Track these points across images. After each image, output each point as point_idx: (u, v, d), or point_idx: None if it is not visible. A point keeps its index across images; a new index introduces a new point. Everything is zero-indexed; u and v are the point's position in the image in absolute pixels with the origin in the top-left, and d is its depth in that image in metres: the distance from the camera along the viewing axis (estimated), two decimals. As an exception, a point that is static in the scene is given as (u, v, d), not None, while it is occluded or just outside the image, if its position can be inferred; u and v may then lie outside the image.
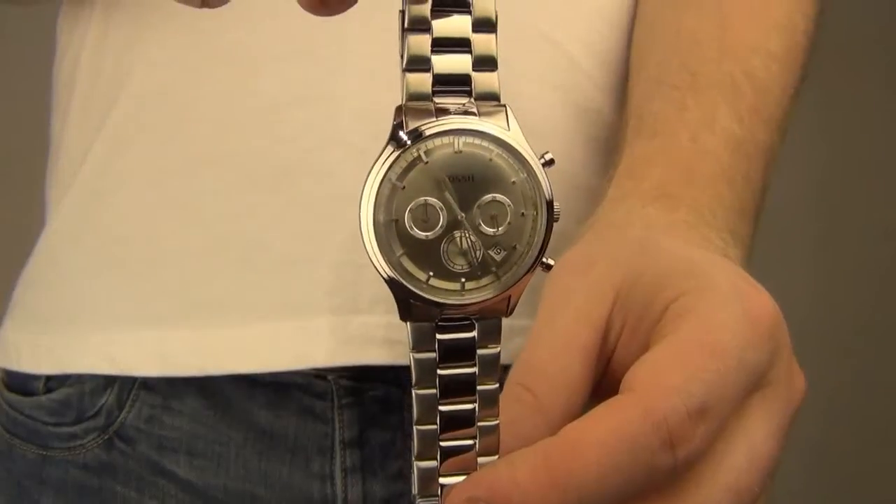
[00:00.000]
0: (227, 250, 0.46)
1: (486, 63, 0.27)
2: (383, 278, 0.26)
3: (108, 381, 0.48)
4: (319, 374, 0.46)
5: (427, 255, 0.26)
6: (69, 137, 0.52)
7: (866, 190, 1.52)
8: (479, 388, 0.28)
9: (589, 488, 0.27)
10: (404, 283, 0.26)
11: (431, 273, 0.26)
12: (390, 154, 0.26)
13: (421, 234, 0.26)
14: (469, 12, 0.27)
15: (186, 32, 0.47)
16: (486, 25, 0.27)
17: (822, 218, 1.53)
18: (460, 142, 0.26)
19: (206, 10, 0.28)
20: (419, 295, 0.26)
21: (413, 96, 0.26)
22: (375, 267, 0.26)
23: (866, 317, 1.52)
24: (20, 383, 0.50)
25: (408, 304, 0.26)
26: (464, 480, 0.27)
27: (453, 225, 0.26)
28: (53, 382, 0.49)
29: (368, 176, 0.26)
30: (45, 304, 0.51)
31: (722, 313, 0.30)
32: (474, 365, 0.28)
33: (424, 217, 0.26)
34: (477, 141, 0.26)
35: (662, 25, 0.48)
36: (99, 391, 0.48)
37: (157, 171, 0.48)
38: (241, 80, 0.47)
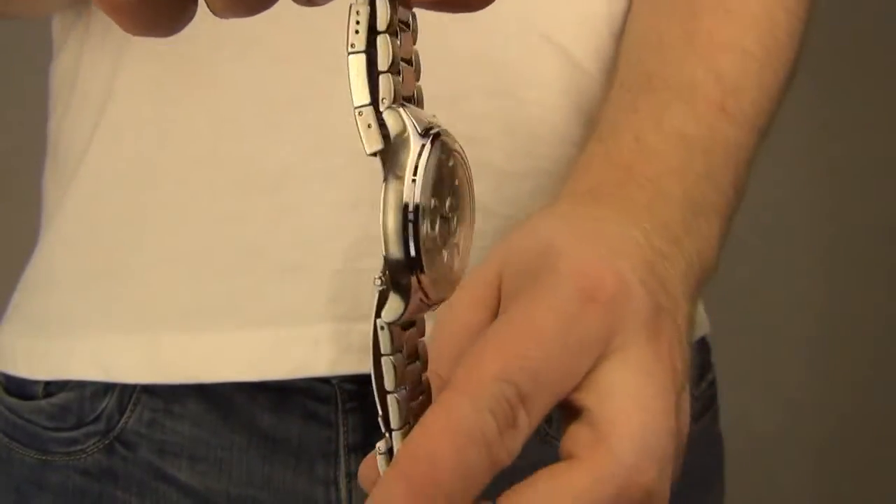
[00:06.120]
0: (221, 254, 0.46)
1: (419, 74, 0.28)
2: (407, 256, 0.25)
3: (109, 385, 0.47)
4: (323, 377, 0.46)
5: (431, 253, 0.26)
6: (66, 138, 0.51)
7: (877, 188, 1.52)
8: (423, 378, 0.29)
9: (455, 495, 0.27)
10: (423, 279, 0.26)
11: (434, 274, 0.26)
12: (417, 154, 0.26)
13: (430, 233, 0.26)
14: (409, 25, 0.27)
15: (186, 32, 0.47)
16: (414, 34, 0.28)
17: (831, 217, 1.52)
18: (445, 147, 0.27)
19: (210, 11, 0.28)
20: (426, 289, 0.26)
21: (397, 96, 0.26)
22: (403, 260, 0.25)
23: (877, 315, 1.52)
24: (19, 387, 0.50)
25: (407, 296, 0.26)
26: None
27: (442, 226, 0.27)
28: (53, 387, 0.48)
29: (393, 174, 0.25)
30: (41, 308, 0.50)
31: (549, 297, 0.31)
32: (418, 358, 0.29)
33: (432, 217, 0.26)
34: (449, 145, 0.27)
35: (637, 27, 0.48)
36: (99, 395, 0.47)
37: (150, 172, 0.47)
38: (239, 79, 0.46)
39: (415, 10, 0.27)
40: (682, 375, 0.33)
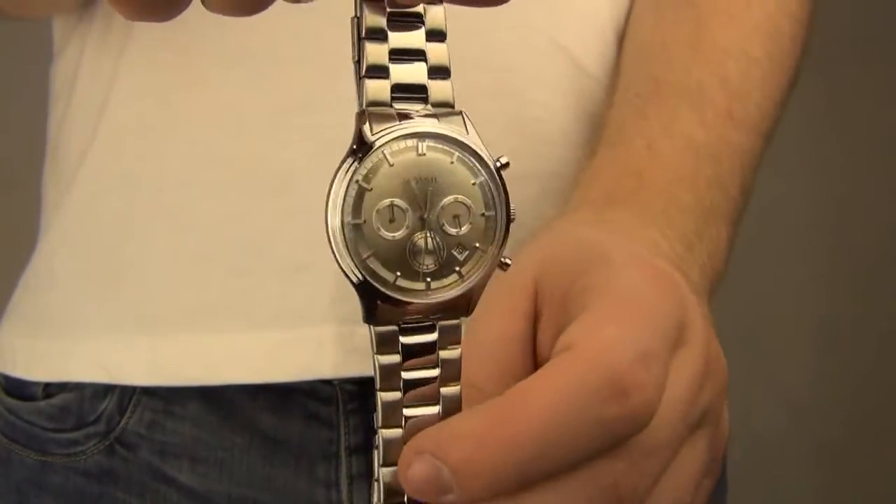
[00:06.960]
0: (224, 255, 0.45)
1: (439, 72, 0.28)
2: (352, 281, 0.27)
3: (109, 386, 0.47)
4: (324, 379, 0.46)
5: (394, 255, 0.27)
6: (66, 140, 0.51)
7: (878, 189, 1.51)
8: (442, 391, 0.28)
9: (536, 447, 0.26)
10: (373, 283, 0.27)
11: (399, 273, 0.27)
12: (356, 157, 0.27)
13: (388, 235, 0.27)
14: (422, 23, 0.28)
15: (189, 34, 0.47)
16: (438, 35, 0.28)
17: (833, 217, 1.52)
18: (423, 145, 0.27)
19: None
20: (387, 295, 0.27)
21: (372, 102, 0.27)
22: (343, 270, 0.26)
23: (879, 316, 1.52)
24: (19, 388, 0.50)
25: (374, 305, 0.27)
26: (413, 438, 0.28)
27: (418, 225, 0.27)
28: (53, 388, 0.48)
29: (334, 179, 0.27)
30: (40, 309, 0.50)
31: (627, 277, 0.31)
32: (437, 367, 0.28)
33: (391, 217, 0.27)
34: (439, 144, 0.27)
35: (642, 32, 0.48)
36: (99, 396, 0.47)
37: (152, 173, 0.47)
38: (244, 83, 0.46)
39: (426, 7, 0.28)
40: (724, 377, 0.33)
